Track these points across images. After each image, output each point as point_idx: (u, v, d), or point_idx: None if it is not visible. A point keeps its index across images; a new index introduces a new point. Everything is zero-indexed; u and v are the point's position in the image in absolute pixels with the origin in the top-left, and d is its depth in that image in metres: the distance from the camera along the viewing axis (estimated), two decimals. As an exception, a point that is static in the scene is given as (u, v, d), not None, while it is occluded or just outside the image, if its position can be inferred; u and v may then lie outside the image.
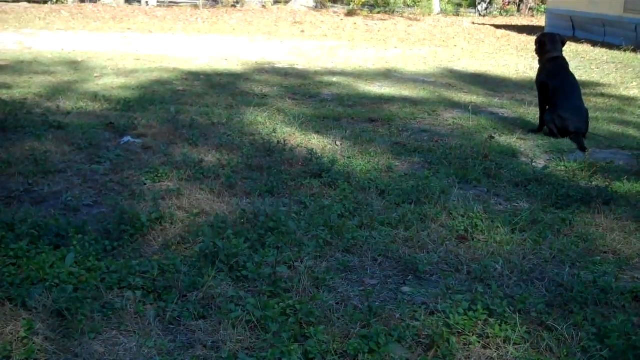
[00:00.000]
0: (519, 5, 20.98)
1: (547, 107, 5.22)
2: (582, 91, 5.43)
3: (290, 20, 15.57)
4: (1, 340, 1.98)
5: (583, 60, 10.25)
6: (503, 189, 3.75)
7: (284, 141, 4.37)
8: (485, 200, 3.49)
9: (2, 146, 4.08)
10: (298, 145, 4.39)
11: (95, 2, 17.87)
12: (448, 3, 21.85)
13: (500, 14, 20.29)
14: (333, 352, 1.98)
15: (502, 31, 14.93)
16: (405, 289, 2.49)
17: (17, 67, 7.25)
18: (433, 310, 2.28)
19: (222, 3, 18.42)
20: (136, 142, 4.35)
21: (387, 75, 8.07)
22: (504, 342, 2.07)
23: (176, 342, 2.06)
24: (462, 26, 16.09)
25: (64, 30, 11.57)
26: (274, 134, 4.66)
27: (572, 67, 5.41)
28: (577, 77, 5.43)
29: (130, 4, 18.36)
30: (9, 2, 16.39)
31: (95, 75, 6.99)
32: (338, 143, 4.57)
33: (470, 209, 3.28)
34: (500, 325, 2.13)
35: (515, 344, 2.06)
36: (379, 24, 15.77)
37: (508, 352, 2.03)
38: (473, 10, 21.02)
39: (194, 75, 7.27)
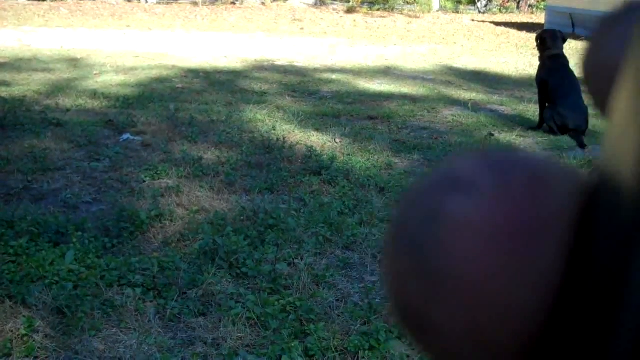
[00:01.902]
0: (518, 2, 20.96)
1: (547, 104, 5.23)
2: (582, 88, 5.42)
3: (289, 18, 15.56)
4: (1, 338, 1.98)
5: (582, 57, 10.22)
6: (503, 186, 3.75)
7: (284, 138, 4.37)
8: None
9: (1, 144, 4.08)
10: (297, 143, 4.39)
11: (94, -1, 17.82)
12: (447, 0, 21.84)
13: (500, 11, 20.28)
14: (333, 349, 1.98)
15: (502, 28, 14.93)
16: (405, 286, 2.49)
17: (16, 65, 7.24)
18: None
19: (221, 0, 18.40)
20: (135, 140, 4.35)
21: (387, 72, 8.06)
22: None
23: (176, 339, 2.06)
24: (462, 23, 16.08)
25: (63, 28, 11.56)
26: (273, 132, 4.66)
27: (572, 64, 5.41)
28: (577, 75, 5.42)
29: (129, 1, 18.34)
30: (7, -1, 16.34)
31: (95, 72, 6.98)
32: (337, 140, 4.57)
33: (470, 206, 3.28)
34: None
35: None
36: (379, 21, 15.76)
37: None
38: (472, 8, 21.01)
39: (193, 73, 7.27)
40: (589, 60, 0.16)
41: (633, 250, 0.12)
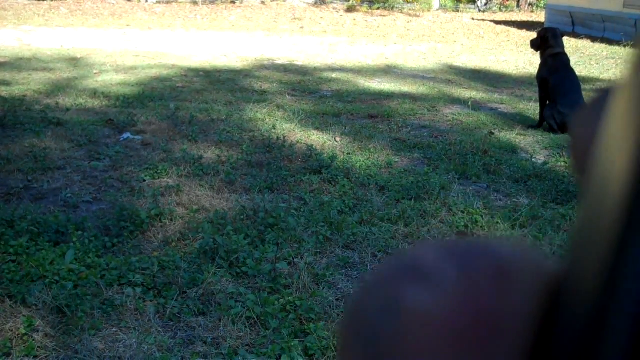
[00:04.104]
0: (518, 1, 20.95)
1: (547, 102, 5.22)
2: (582, 87, 5.43)
3: (289, 17, 15.55)
4: (1, 337, 1.98)
5: (583, 55, 10.24)
6: (503, 184, 3.75)
7: (284, 137, 4.37)
8: (485, 196, 3.49)
9: (1, 143, 4.07)
10: (298, 142, 4.39)
11: (94, -2, 17.80)
12: (447, -1, 21.81)
13: (500, 10, 20.27)
14: (333, 348, 1.98)
15: (502, 27, 14.92)
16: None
17: (16, 64, 7.24)
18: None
19: (221, -1, 18.37)
20: (135, 139, 4.34)
21: (387, 71, 8.06)
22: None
23: (176, 339, 2.06)
24: (462, 22, 16.07)
25: (63, 27, 11.55)
26: (273, 131, 4.66)
27: (572, 62, 5.41)
28: (577, 73, 5.42)
29: (129, 0, 18.33)
30: (7, -2, 16.33)
31: (95, 72, 6.98)
32: (337, 139, 4.57)
33: (470, 204, 3.27)
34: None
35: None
36: (379, 20, 15.75)
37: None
38: (472, 6, 21.00)
39: (194, 72, 7.26)
40: (575, 143, 0.15)
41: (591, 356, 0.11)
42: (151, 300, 2.26)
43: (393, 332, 0.13)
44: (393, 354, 0.13)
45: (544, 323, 0.13)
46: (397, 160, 4.14)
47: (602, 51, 10.90)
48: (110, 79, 6.56)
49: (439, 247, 0.14)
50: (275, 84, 6.77)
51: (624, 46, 11.29)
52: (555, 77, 5.16)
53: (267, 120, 5.02)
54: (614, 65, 9.27)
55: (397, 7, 19.22)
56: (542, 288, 0.13)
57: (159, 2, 18.01)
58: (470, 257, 0.14)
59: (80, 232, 2.65)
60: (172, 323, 2.15)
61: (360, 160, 4.05)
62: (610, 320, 0.11)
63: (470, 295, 0.13)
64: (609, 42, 12.07)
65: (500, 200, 3.51)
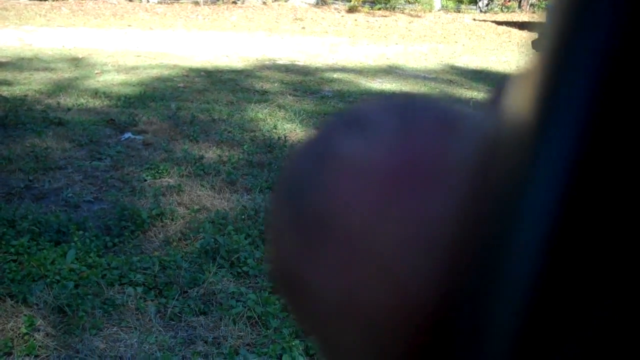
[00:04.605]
0: (520, 2, 20.94)
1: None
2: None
3: (291, 17, 15.55)
4: (2, 337, 1.98)
5: (584, 56, 10.22)
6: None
7: (285, 137, 4.37)
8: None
9: (2, 143, 4.08)
10: (299, 142, 4.38)
11: (96, -2, 17.81)
12: (449, -1, 21.81)
13: (501, 10, 20.26)
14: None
15: (503, 27, 14.91)
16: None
17: (17, 64, 7.24)
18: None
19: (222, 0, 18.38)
20: (137, 139, 4.34)
21: (389, 71, 8.06)
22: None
23: (177, 338, 2.06)
24: (463, 22, 16.07)
25: (65, 27, 11.56)
26: (274, 131, 4.65)
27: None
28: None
29: (130, 0, 18.34)
30: (9, -2, 16.34)
31: (96, 71, 6.98)
32: (339, 139, 4.56)
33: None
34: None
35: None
36: (380, 21, 15.75)
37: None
38: (474, 7, 20.99)
39: (195, 72, 7.26)
40: None
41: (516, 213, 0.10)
42: (152, 300, 2.26)
43: (321, 178, 0.12)
44: (317, 203, 0.12)
45: (482, 176, 0.12)
46: (398, 160, 4.14)
47: (604, 52, 10.88)
48: (111, 79, 6.56)
49: (381, 101, 0.13)
50: (276, 84, 6.77)
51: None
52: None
53: (269, 120, 5.01)
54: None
55: (398, 8, 19.22)
56: (482, 143, 0.12)
57: (160, 3, 18.02)
58: (413, 108, 0.13)
59: (81, 232, 2.65)
60: (173, 322, 2.15)
61: (361, 160, 4.04)
62: (540, 169, 0.10)
63: (408, 142, 0.12)
64: (611, 42, 12.03)
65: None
